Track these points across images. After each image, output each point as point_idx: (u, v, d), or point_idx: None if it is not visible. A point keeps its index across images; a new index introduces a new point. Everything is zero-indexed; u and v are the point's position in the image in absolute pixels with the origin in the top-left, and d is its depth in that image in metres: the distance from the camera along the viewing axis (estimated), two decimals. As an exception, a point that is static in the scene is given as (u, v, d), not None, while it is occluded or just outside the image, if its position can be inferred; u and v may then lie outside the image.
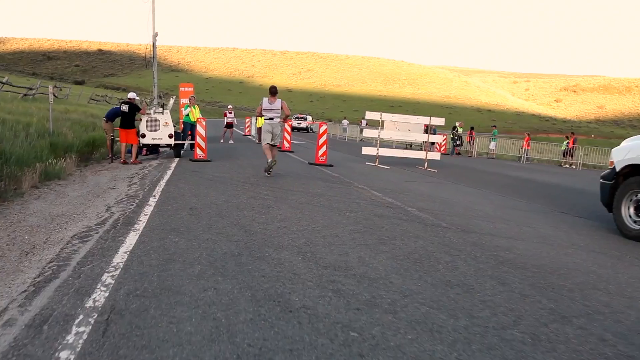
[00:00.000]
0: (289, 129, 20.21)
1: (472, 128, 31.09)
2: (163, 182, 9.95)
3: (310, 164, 15.12)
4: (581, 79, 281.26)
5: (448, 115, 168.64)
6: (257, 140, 25.56)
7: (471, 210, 8.94)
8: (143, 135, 14.38)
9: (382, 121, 16.29)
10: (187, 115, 17.96)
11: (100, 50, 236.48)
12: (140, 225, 6.20)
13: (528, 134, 30.85)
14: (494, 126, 33.05)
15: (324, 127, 15.05)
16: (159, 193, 8.72)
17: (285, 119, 12.35)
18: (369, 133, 18.08)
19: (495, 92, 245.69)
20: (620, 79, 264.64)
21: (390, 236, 6.38)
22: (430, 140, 17.10)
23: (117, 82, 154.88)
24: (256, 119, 25.57)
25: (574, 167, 28.26)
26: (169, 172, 11.52)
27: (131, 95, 14.17)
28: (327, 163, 14.98)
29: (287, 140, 20.14)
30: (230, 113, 25.91)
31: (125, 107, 13.91)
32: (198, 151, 14.39)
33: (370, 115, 16.21)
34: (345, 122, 49.37)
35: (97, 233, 5.85)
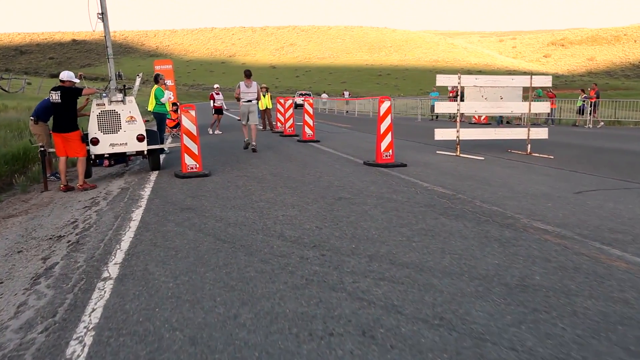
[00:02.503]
0: (310, 110, 14.64)
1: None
2: (117, 261, 4.52)
3: (367, 164, 9.70)
4: (568, 32, 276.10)
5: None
6: (261, 127, 20.01)
7: None
8: (94, 141, 8.90)
9: (460, 88, 10.83)
10: (162, 104, 12.18)
11: (74, 41, 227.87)
12: None
13: (595, 85, 24.90)
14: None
15: (386, 105, 9.51)
16: (100, 319, 3.35)
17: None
18: (443, 108, 12.71)
19: (483, 52, 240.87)
20: (608, 29, 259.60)
21: None
22: (518, 111, 11.54)
23: (93, 72, 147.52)
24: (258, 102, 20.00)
25: (602, 124, 23.25)
26: (136, 218, 6.05)
27: (65, 75, 8.54)
28: (396, 162, 9.57)
29: (309, 126, 14.61)
30: (217, 94, 20.45)
31: (55, 96, 8.39)
32: (188, 160, 8.92)
33: (442, 79, 10.73)
34: (346, 93, 47.00)
35: None
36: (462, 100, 26.85)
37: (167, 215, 6.08)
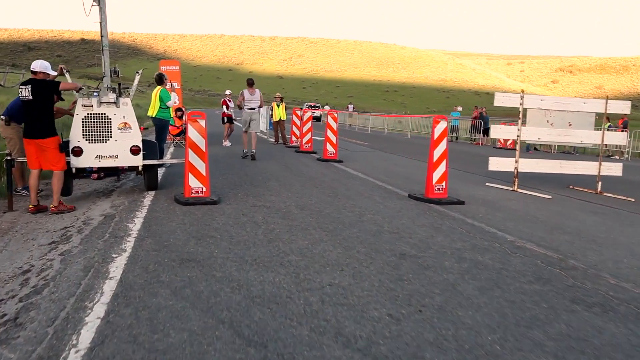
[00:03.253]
0: (334, 126, 12.75)
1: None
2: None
3: (413, 197, 7.81)
4: (576, 59, 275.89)
5: (445, 99, 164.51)
6: (273, 140, 18.16)
7: None
8: (77, 152, 7.02)
9: (522, 110, 8.94)
10: (167, 108, 10.32)
11: (82, 40, 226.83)
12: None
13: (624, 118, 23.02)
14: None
15: (441, 127, 7.62)
16: None
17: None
18: (501, 133, 10.83)
19: (491, 74, 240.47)
20: (617, 58, 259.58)
21: None
22: (574, 139, 9.63)
23: (100, 71, 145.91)
24: (272, 110, 18.18)
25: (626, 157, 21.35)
26: (115, 274, 4.12)
27: (37, 65, 6.67)
28: (450, 198, 7.67)
29: (332, 144, 12.74)
30: (230, 102, 18.78)
31: (25, 91, 6.53)
32: (192, 182, 7.01)
33: (502, 99, 8.84)
34: (350, 107, 46.19)
35: None
36: (483, 122, 25.00)
37: (160, 271, 4.17)
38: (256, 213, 6.44)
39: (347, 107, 47.60)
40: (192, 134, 7.04)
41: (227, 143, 16.20)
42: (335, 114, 12.65)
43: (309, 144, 14.53)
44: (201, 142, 7.08)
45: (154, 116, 10.36)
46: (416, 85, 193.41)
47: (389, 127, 34.98)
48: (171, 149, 13.95)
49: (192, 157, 6.99)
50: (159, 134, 10.32)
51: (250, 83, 12.58)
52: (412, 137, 28.90)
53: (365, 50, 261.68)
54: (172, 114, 10.73)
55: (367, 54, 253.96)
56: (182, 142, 14.33)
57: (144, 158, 7.35)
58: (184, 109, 17.12)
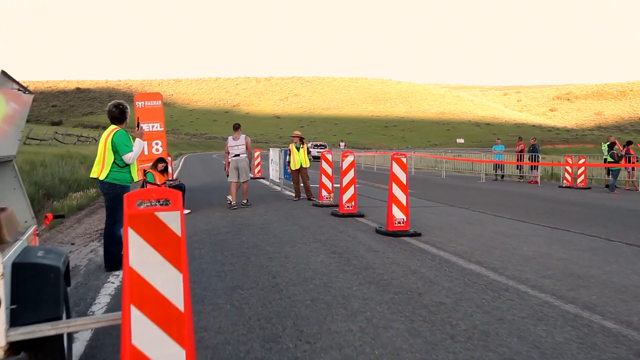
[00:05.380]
0: (403, 180, 8.06)
1: (629, 143, 19.15)
2: None
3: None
4: (573, 86, 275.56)
5: (446, 132, 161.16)
6: (293, 195, 13.44)
7: None
8: None
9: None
10: (125, 167, 5.83)
11: (78, 89, 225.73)
12: None
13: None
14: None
15: None
16: None
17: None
18: None
19: (490, 105, 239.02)
20: (614, 84, 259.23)
21: None
22: None
23: (96, 120, 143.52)
24: (289, 155, 13.56)
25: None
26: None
27: None
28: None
29: (399, 206, 8.04)
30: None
31: None
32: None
33: None
34: (342, 144, 44.33)
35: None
36: (535, 152, 20.46)
37: None
38: None
39: (339, 145, 43.99)
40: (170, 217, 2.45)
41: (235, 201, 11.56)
42: (404, 159, 7.93)
43: (352, 204, 9.99)
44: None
45: (101, 179, 5.78)
46: (415, 119, 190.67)
47: (419, 166, 30.31)
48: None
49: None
50: (111, 212, 5.73)
51: (236, 127, 11.84)
52: (448, 177, 24.26)
53: (362, 86, 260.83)
54: (137, 174, 6.13)
55: (363, 90, 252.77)
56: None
57: (14, 323, 2.72)
58: (169, 159, 12.61)
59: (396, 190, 7.83)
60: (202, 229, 8.56)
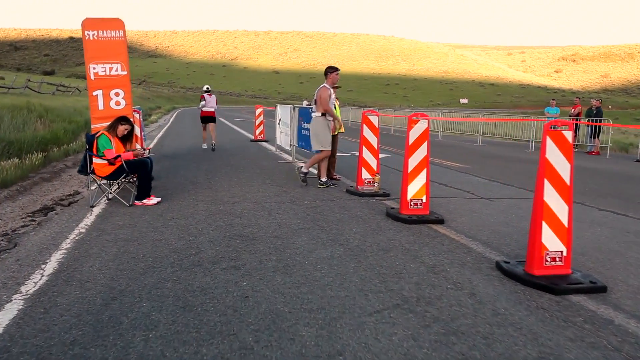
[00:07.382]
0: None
1: None
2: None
3: None
4: (579, 47, 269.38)
5: (449, 91, 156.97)
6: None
7: None
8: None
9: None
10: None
11: (71, 38, 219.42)
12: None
13: None
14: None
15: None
16: None
17: None
18: None
19: (494, 65, 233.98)
20: (621, 46, 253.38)
21: None
22: None
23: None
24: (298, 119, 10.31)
25: None
26: None
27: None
28: None
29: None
30: (210, 96, 13.96)
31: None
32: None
33: None
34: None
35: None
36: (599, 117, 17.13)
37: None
38: None
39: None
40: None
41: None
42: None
43: (422, 199, 5.96)
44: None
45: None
46: (417, 78, 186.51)
47: (440, 129, 26.56)
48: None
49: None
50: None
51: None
52: (485, 144, 20.45)
53: (363, 43, 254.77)
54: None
55: (365, 46, 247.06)
56: (132, 184, 7.02)
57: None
58: (137, 116, 9.30)
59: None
60: (163, 251, 4.52)
